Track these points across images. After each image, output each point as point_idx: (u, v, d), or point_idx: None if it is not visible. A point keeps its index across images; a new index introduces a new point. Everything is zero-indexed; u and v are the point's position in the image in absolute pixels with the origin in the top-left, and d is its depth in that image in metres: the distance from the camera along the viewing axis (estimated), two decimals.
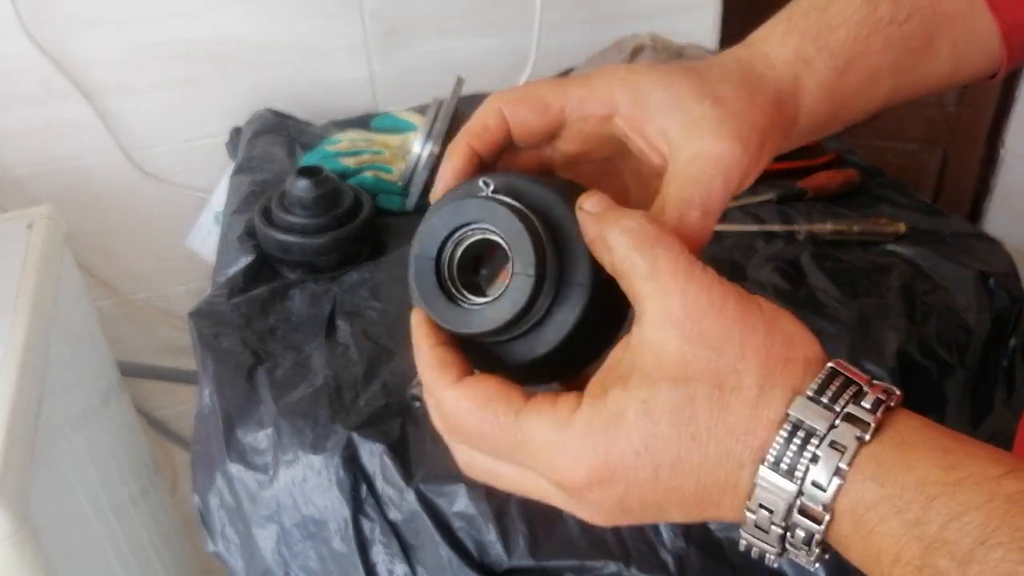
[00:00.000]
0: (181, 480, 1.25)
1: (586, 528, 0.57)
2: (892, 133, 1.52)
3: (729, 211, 0.87)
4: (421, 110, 0.90)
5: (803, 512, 0.27)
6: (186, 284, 1.19)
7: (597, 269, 0.32)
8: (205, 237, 1.12)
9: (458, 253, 0.33)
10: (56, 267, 0.85)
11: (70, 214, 0.96)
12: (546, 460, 0.30)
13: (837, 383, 0.28)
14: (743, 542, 0.29)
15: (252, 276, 0.77)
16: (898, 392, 0.28)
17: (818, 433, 0.26)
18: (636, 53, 1.00)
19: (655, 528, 0.58)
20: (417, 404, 0.62)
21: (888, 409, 0.27)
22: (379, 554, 0.58)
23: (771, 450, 0.27)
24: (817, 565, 0.29)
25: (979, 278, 0.72)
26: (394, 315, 0.72)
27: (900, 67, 0.39)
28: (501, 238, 0.32)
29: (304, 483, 0.59)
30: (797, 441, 0.27)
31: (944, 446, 0.26)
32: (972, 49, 0.41)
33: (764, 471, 0.27)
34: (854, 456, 0.26)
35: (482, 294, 0.33)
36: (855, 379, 0.28)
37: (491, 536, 0.56)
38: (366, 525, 0.58)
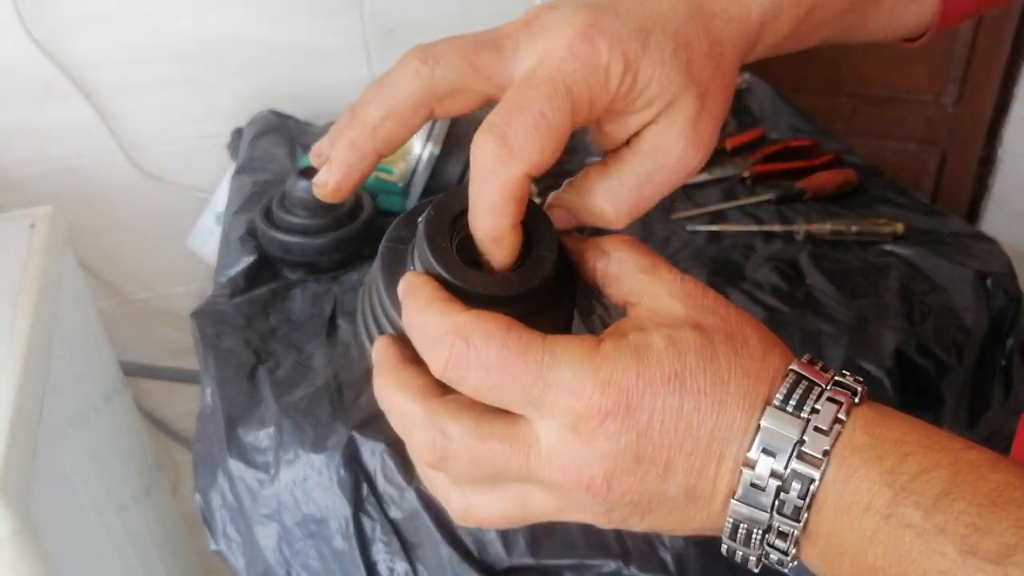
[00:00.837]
0: (183, 479, 1.26)
1: (586, 527, 0.57)
2: (890, 133, 1.53)
3: (728, 211, 0.87)
4: None
5: (802, 458, 0.28)
6: (187, 284, 1.19)
7: (558, 242, 0.34)
8: (206, 238, 1.12)
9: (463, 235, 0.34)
10: (58, 267, 0.85)
11: (71, 214, 0.96)
12: (574, 387, 0.28)
13: (818, 366, 0.30)
14: (730, 519, 0.29)
15: (253, 276, 0.77)
16: (862, 389, 0.30)
17: (818, 385, 0.28)
18: None
19: None
20: None
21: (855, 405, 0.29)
22: (380, 552, 0.58)
23: (778, 393, 0.29)
24: (791, 566, 0.30)
25: (977, 278, 0.73)
26: None
27: (849, 14, 0.38)
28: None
29: (305, 482, 0.60)
30: (800, 390, 0.28)
31: (913, 424, 0.28)
32: (908, 3, 0.40)
33: (771, 411, 0.28)
34: (850, 408, 0.28)
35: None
36: (820, 381, 0.30)
37: (491, 534, 0.57)
38: (367, 523, 0.58)
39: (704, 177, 0.93)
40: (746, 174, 0.92)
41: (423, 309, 0.30)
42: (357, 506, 0.58)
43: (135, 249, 1.15)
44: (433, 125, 0.83)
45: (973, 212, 1.58)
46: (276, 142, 1.00)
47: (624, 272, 0.32)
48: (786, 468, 0.28)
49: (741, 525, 0.29)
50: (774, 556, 0.29)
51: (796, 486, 0.28)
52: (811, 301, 0.71)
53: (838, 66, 1.48)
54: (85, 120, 1.04)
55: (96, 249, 1.12)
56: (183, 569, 1.08)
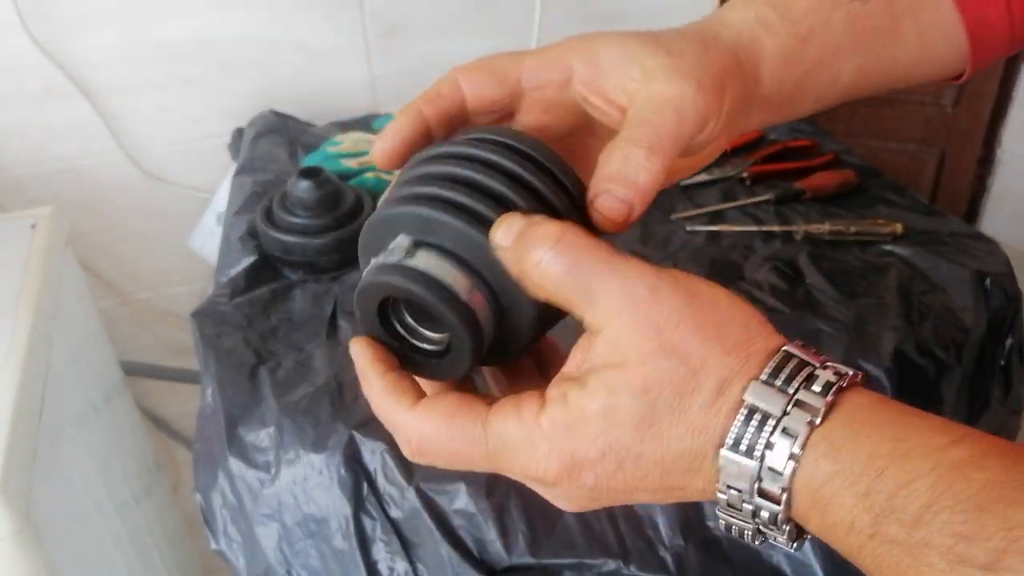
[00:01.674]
0: (183, 479, 1.26)
1: (585, 526, 0.57)
2: (889, 134, 1.53)
3: (727, 211, 0.87)
4: None
5: (763, 494, 0.28)
6: (188, 284, 1.19)
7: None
8: (207, 238, 1.12)
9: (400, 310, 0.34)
10: (59, 267, 0.86)
11: (72, 214, 0.96)
12: (518, 461, 0.30)
13: (791, 366, 0.28)
14: (721, 522, 0.30)
15: (254, 276, 0.78)
16: (850, 372, 0.28)
17: (773, 416, 0.27)
18: None
19: (654, 526, 0.58)
20: None
21: (841, 389, 0.28)
22: (380, 552, 0.58)
23: (730, 432, 0.28)
24: (794, 547, 0.29)
25: (976, 278, 0.73)
26: None
27: (864, 46, 0.39)
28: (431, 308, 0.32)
29: (306, 481, 0.60)
30: (754, 424, 0.27)
31: (893, 420, 0.27)
32: (938, 39, 0.41)
33: (725, 452, 0.28)
34: (807, 439, 0.27)
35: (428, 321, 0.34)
36: (809, 361, 0.28)
37: (491, 534, 0.57)
38: (367, 523, 0.59)
39: (703, 177, 0.93)
40: (745, 174, 0.92)
41: (376, 397, 0.33)
42: (357, 506, 0.59)
43: (136, 249, 1.15)
44: None
45: (972, 212, 1.58)
46: (277, 142, 1.00)
47: (567, 305, 0.30)
48: (751, 499, 0.28)
49: (732, 527, 0.30)
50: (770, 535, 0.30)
51: (765, 514, 0.28)
52: (810, 301, 0.72)
53: None
54: (86, 120, 1.04)
55: (96, 249, 1.12)
56: (184, 568, 1.08)
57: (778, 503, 0.27)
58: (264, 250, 0.79)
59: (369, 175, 0.88)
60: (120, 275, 1.16)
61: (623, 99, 0.35)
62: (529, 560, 0.56)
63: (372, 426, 0.60)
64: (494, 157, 0.33)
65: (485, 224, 0.31)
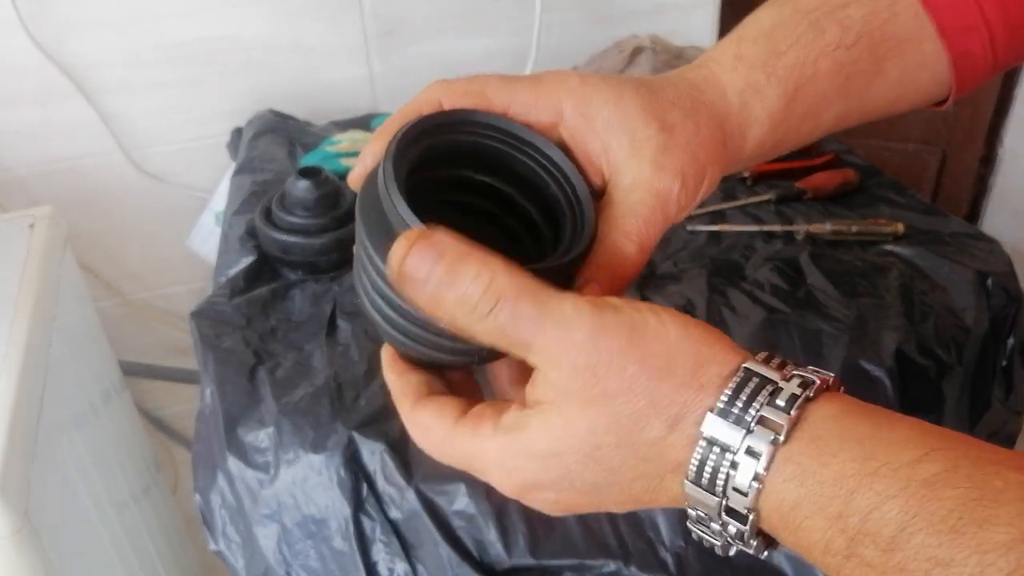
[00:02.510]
0: (182, 479, 1.26)
1: (586, 527, 0.57)
2: (891, 133, 1.53)
3: (728, 211, 0.87)
4: None
5: (730, 513, 0.27)
6: (187, 284, 1.19)
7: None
8: (206, 238, 1.12)
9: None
10: (57, 267, 0.86)
11: (71, 214, 0.96)
12: (482, 474, 0.32)
13: (751, 387, 0.27)
14: (693, 534, 0.30)
15: (253, 276, 0.77)
16: (816, 380, 0.27)
17: (732, 448, 0.27)
18: (636, 54, 1.01)
19: (655, 527, 0.58)
20: None
21: (808, 399, 0.27)
22: (380, 553, 0.58)
23: (691, 466, 0.27)
24: (765, 555, 0.30)
25: (977, 278, 0.73)
26: None
27: (848, 91, 0.39)
28: None
29: (305, 482, 0.60)
30: (714, 456, 0.27)
31: (860, 435, 0.26)
32: (921, 75, 0.41)
33: (687, 485, 0.28)
34: (771, 460, 0.26)
35: None
36: (770, 377, 0.27)
37: (491, 535, 0.56)
38: (367, 524, 0.58)
39: None
40: (746, 174, 0.92)
41: (394, 393, 0.35)
42: (357, 506, 0.58)
43: (135, 249, 1.15)
44: None
45: (973, 212, 1.58)
46: (276, 142, 1.00)
47: (507, 349, 0.29)
48: (719, 518, 0.28)
49: (703, 539, 0.30)
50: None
51: (732, 529, 0.28)
52: (811, 301, 0.71)
53: None
54: (85, 120, 1.04)
55: (96, 249, 1.12)
56: (183, 569, 1.08)
57: (744, 523, 0.27)
58: (263, 250, 0.79)
59: None
60: (119, 275, 1.16)
61: (605, 166, 0.35)
62: (529, 561, 0.56)
63: (372, 426, 0.60)
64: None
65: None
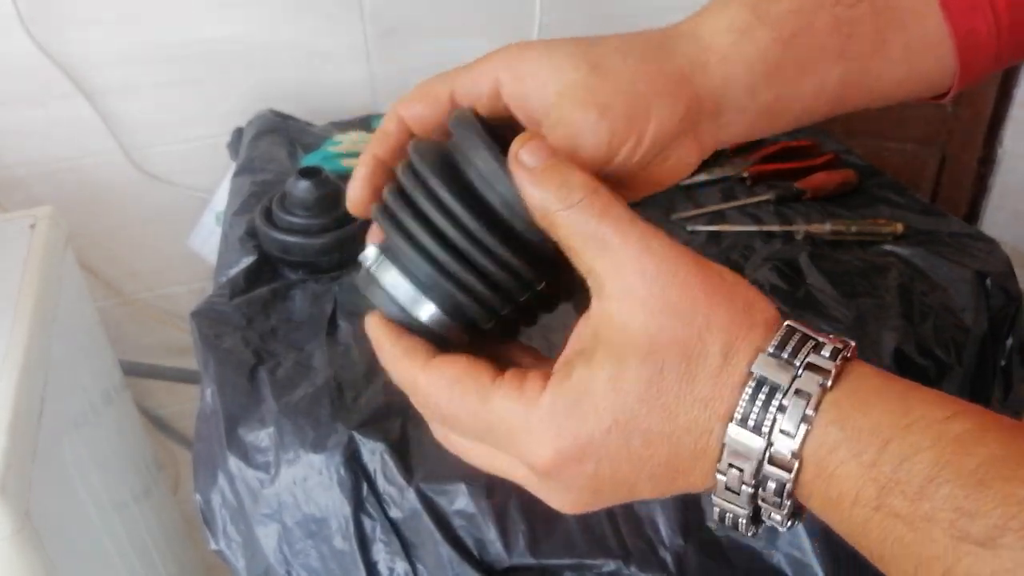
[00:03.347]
0: (183, 479, 1.26)
1: (586, 527, 0.57)
2: (890, 133, 1.53)
3: (727, 211, 0.87)
4: None
5: (773, 462, 0.27)
6: (187, 284, 1.19)
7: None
8: (207, 238, 1.12)
9: None
10: (58, 267, 0.86)
11: (71, 214, 0.96)
12: (515, 442, 0.30)
13: (796, 339, 0.28)
14: (716, 508, 0.30)
15: (253, 276, 0.77)
16: (853, 344, 0.29)
17: (782, 387, 0.27)
18: None
19: (654, 526, 0.58)
20: None
21: (846, 359, 0.28)
22: (380, 552, 0.58)
23: (738, 408, 0.28)
24: (789, 525, 0.29)
25: (976, 278, 0.73)
26: None
27: (849, 54, 0.37)
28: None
29: (305, 482, 0.60)
30: (762, 396, 0.27)
31: (896, 392, 0.27)
32: (926, 54, 0.40)
33: (733, 429, 0.28)
34: (819, 402, 0.27)
35: None
36: (812, 335, 0.29)
37: (491, 534, 0.57)
38: (367, 523, 0.59)
39: (703, 177, 0.93)
40: (745, 174, 0.92)
41: (391, 362, 0.34)
42: (357, 506, 0.58)
43: (135, 249, 1.15)
44: None
45: (973, 212, 1.58)
46: (276, 142, 1.00)
47: (578, 249, 0.30)
48: (757, 474, 0.28)
49: (727, 514, 0.30)
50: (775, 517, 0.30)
51: (772, 485, 0.28)
52: (811, 301, 0.72)
53: None
54: (85, 120, 1.04)
55: (96, 249, 1.12)
56: (184, 568, 1.08)
57: (789, 470, 0.27)
58: (263, 250, 0.79)
59: None
60: (120, 275, 1.16)
61: (542, 119, 0.34)
62: (529, 561, 0.56)
63: (372, 426, 0.60)
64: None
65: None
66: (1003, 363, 0.74)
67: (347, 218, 0.79)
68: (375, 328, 0.34)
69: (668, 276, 0.28)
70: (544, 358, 0.35)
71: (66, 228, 0.91)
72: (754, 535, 0.31)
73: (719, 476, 0.29)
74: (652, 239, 0.29)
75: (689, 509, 0.58)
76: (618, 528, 0.58)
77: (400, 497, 0.58)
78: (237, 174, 0.95)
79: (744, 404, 0.28)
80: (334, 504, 0.59)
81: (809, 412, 0.27)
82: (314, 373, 0.66)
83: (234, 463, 0.62)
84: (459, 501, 0.57)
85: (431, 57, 1.12)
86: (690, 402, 0.28)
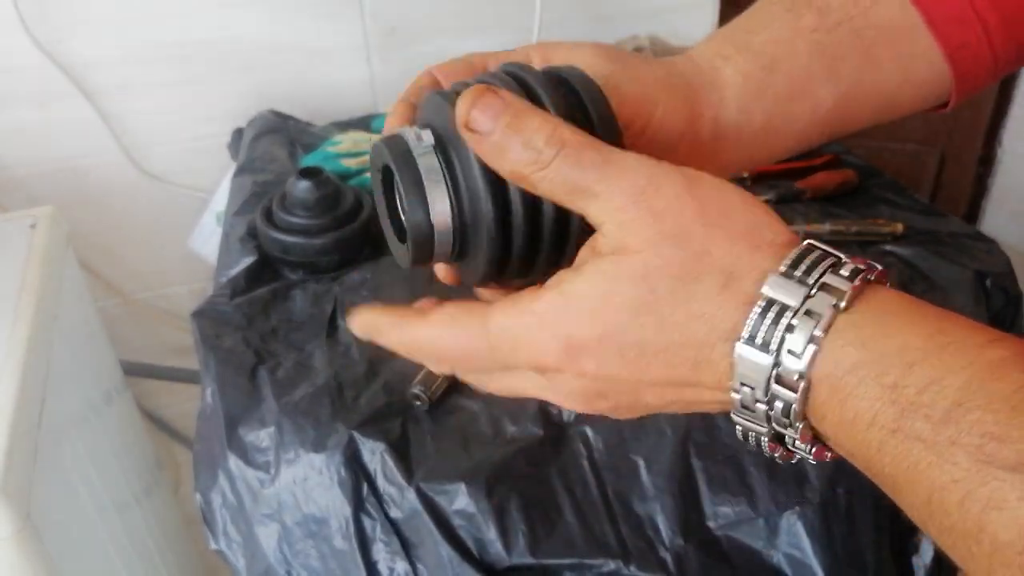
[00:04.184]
0: (184, 479, 1.26)
1: (586, 526, 0.57)
2: (890, 133, 1.53)
3: None
4: None
5: (780, 382, 0.27)
6: (188, 284, 1.20)
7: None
8: (207, 238, 1.12)
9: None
10: (59, 267, 0.86)
11: (72, 214, 0.96)
12: (520, 350, 0.30)
13: (812, 257, 0.27)
14: (737, 427, 0.30)
15: (254, 276, 0.78)
16: (880, 267, 0.28)
17: (792, 307, 0.26)
18: None
19: (654, 526, 0.58)
20: (418, 403, 0.62)
21: (868, 281, 0.27)
22: (380, 552, 0.58)
23: (746, 326, 0.27)
24: (812, 452, 0.29)
25: (976, 278, 0.73)
26: None
27: (839, 77, 0.39)
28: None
29: (306, 481, 0.60)
30: (771, 315, 0.27)
31: (929, 315, 0.26)
32: (919, 65, 0.40)
33: (740, 347, 0.27)
34: (830, 323, 0.26)
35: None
36: (831, 252, 0.28)
37: (491, 534, 0.57)
38: (367, 523, 0.59)
39: None
40: (745, 174, 0.92)
41: (389, 332, 0.34)
42: (357, 506, 0.59)
43: (136, 249, 1.15)
44: None
45: (973, 212, 1.58)
46: (276, 142, 1.00)
47: (565, 202, 0.30)
48: (766, 394, 0.27)
49: (749, 433, 0.30)
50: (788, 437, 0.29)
51: (779, 404, 0.27)
52: None
53: None
54: (85, 120, 1.04)
55: (96, 249, 1.12)
56: (184, 568, 1.08)
57: (794, 391, 0.27)
58: (264, 250, 0.79)
59: (368, 175, 0.88)
60: (120, 275, 1.16)
61: None
62: (529, 560, 0.56)
63: (372, 426, 0.60)
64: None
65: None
66: None
67: (347, 218, 0.79)
68: (362, 315, 0.35)
69: (659, 207, 0.28)
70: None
71: (66, 228, 0.91)
72: (781, 458, 0.30)
73: (734, 394, 0.28)
74: (638, 173, 0.29)
75: (689, 509, 0.58)
76: (618, 528, 0.58)
77: (400, 497, 0.58)
78: (237, 174, 0.96)
79: (752, 322, 0.27)
80: (334, 504, 0.59)
81: (817, 333, 0.26)
82: (314, 373, 0.66)
83: (234, 463, 0.62)
84: (459, 501, 0.57)
85: (431, 57, 1.11)
86: (685, 318, 0.28)
